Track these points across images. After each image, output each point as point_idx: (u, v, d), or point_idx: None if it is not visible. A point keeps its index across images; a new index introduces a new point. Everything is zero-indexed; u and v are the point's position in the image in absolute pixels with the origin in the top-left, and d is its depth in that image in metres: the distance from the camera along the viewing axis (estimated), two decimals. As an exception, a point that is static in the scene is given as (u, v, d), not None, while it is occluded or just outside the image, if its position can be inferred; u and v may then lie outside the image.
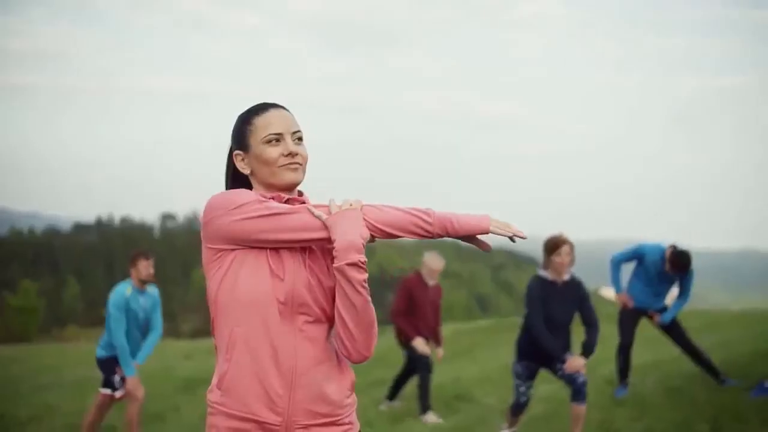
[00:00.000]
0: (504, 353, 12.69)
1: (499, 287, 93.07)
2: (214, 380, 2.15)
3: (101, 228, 79.84)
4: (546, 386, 7.60)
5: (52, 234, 77.73)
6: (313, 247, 2.15)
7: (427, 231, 2.12)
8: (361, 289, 2.05)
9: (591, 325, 5.48)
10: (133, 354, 6.26)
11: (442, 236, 2.14)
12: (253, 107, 2.23)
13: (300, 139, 2.19)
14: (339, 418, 2.15)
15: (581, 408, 5.42)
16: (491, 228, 2.14)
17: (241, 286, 2.08)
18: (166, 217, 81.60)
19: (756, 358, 7.30)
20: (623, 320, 7.10)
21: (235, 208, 2.07)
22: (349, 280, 2.04)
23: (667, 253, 6.73)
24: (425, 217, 2.12)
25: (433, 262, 7.46)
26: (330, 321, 2.16)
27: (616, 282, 7.11)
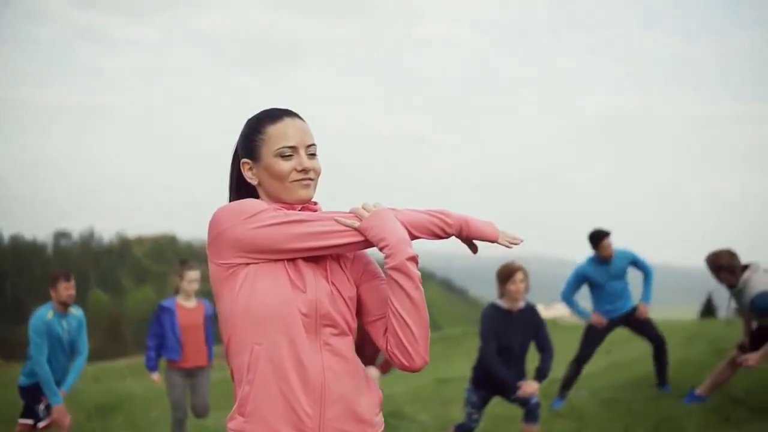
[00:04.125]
0: (428, 369, 12.71)
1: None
2: (235, 407, 1.97)
3: (-11, 247, 76.03)
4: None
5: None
6: (330, 257, 2.02)
7: (445, 232, 2.08)
8: (420, 285, 1.94)
9: (545, 351, 5.46)
10: (60, 380, 5.92)
11: (454, 236, 2.11)
12: (265, 113, 2.07)
13: (312, 152, 2.05)
14: None
15: (533, 428, 5.40)
16: (500, 240, 2.12)
17: (259, 300, 1.92)
18: (60, 235, 78.41)
19: (682, 367, 7.49)
20: (589, 335, 7.18)
21: (250, 217, 1.92)
22: (410, 276, 1.92)
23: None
24: (445, 218, 2.07)
25: None
26: (353, 334, 2.04)
27: (580, 312, 7.23)
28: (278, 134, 2.01)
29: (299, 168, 2.00)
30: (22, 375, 6.01)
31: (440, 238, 2.08)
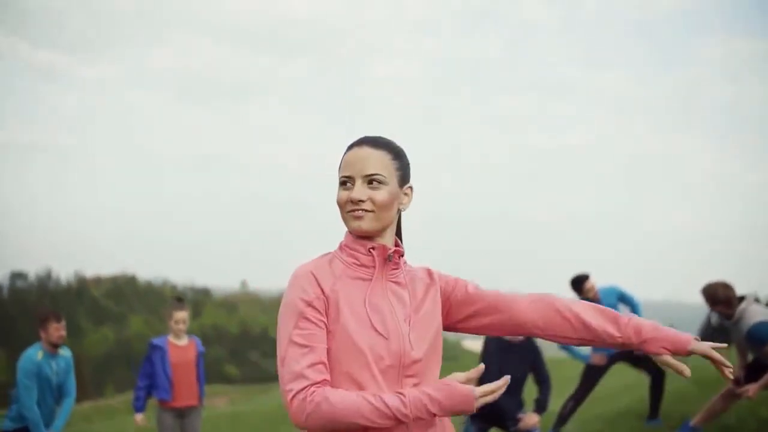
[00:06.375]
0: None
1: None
2: None
3: (-59, 289, 73.90)
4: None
5: None
6: (421, 295, 1.98)
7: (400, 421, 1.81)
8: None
9: (543, 382, 5.50)
10: (47, 423, 5.75)
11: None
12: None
13: (377, 182, 1.92)
14: None
15: None
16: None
17: (336, 351, 1.84)
18: (16, 276, 76.62)
19: (671, 399, 7.52)
20: (589, 373, 7.20)
21: (283, 306, 1.90)
22: None
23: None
24: (395, 411, 1.78)
25: None
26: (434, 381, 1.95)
27: (578, 356, 7.27)
28: (342, 164, 1.98)
29: (348, 198, 1.94)
30: (7, 419, 5.81)
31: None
